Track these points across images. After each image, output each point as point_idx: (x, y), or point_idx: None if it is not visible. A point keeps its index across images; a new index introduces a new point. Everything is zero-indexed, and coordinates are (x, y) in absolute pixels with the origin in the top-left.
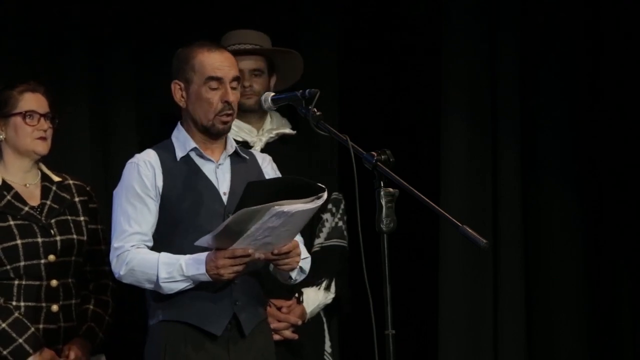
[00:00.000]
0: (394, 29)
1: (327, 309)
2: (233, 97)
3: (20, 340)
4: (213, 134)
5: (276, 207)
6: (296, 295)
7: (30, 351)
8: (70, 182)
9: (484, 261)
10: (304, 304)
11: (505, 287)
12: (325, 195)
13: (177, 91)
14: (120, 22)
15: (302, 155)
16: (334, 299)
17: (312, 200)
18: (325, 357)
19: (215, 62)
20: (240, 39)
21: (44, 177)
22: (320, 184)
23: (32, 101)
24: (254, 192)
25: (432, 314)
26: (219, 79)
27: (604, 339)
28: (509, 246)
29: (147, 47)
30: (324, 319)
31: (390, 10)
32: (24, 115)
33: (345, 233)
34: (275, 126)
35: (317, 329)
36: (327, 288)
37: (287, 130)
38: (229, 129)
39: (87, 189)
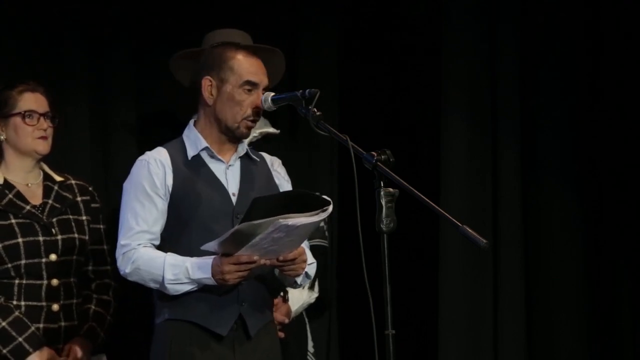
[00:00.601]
0: (394, 29)
1: (309, 309)
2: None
3: (20, 339)
4: (236, 136)
5: (280, 220)
6: (281, 294)
7: (30, 350)
8: (73, 182)
9: (484, 261)
10: (289, 302)
11: (505, 287)
12: (330, 208)
13: (208, 87)
14: (120, 22)
15: (287, 154)
16: (317, 298)
17: (317, 214)
18: (308, 357)
19: (253, 67)
20: (223, 37)
21: (46, 177)
22: (325, 197)
23: (31, 101)
24: (259, 207)
25: (432, 314)
26: (254, 84)
27: (604, 339)
28: (509, 246)
29: (147, 47)
30: (306, 319)
31: (390, 10)
32: (24, 115)
33: (326, 233)
34: (258, 126)
35: (300, 329)
36: (311, 287)
37: (271, 130)
38: (250, 134)
39: (90, 189)
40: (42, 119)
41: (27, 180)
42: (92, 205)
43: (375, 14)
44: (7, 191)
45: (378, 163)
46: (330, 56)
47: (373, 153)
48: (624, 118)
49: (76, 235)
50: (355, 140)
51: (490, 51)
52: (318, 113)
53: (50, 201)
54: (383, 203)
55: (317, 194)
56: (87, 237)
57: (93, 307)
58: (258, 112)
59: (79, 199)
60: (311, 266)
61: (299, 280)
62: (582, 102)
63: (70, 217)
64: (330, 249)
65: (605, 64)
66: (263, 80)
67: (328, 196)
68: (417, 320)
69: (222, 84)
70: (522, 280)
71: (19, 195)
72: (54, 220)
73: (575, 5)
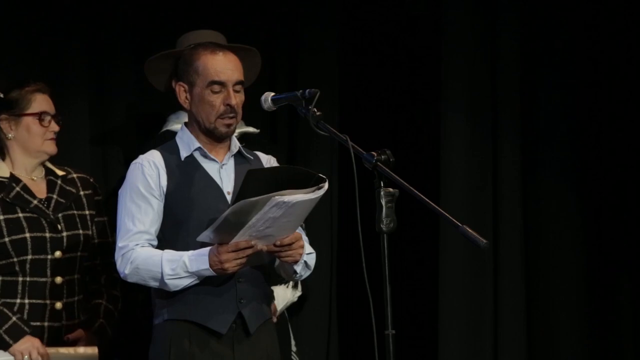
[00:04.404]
0: (394, 29)
1: (290, 308)
2: (235, 100)
3: (1, 331)
4: (216, 136)
5: (276, 197)
6: None
7: (11, 342)
8: (74, 175)
9: (484, 261)
10: (275, 301)
11: (505, 287)
12: (326, 185)
13: (182, 93)
14: (120, 22)
15: (287, 154)
16: (299, 297)
17: (313, 191)
18: (292, 356)
19: (218, 65)
20: (197, 38)
21: (48, 172)
22: (321, 175)
23: (44, 102)
24: (253, 181)
25: (432, 314)
26: (221, 83)
27: (604, 339)
28: (509, 246)
29: (147, 47)
30: (287, 318)
31: (390, 10)
32: (40, 116)
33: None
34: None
35: (283, 329)
36: (295, 286)
37: (250, 129)
38: (233, 131)
39: (91, 180)
40: (52, 121)
41: (32, 175)
42: (96, 198)
43: (375, 14)
44: (14, 184)
45: (378, 163)
46: (331, 56)
47: (373, 153)
48: (624, 118)
49: (80, 232)
50: (355, 140)
51: (490, 51)
52: (318, 113)
53: (55, 196)
54: (383, 203)
55: (313, 172)
56: (90, 232)
57: (104, 302)
58: (232, 109)
59: (82, 193)
60: (311, 256)
61: (298, 269)
62: (582, 102)
63: (75, 212)
64: (330, 249)
65: (605, 64)
66: (232, 76)
67: (328, 196)
68: (417, 320)
69: (192, 87)
70: (522, 280)
71: (26, 189)
72: (60, 215)
73: (575, 5)
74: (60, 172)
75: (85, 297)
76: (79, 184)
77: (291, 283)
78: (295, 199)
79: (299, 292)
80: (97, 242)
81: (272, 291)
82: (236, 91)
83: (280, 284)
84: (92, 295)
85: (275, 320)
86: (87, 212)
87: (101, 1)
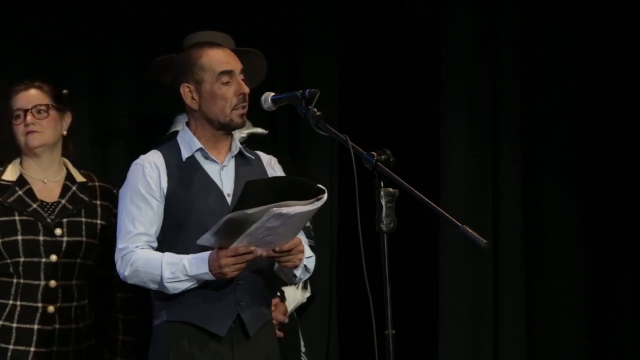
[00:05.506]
0: (394, 29)
1: (299, 309)
2: (246, 88)
3: None
4: (232, 128)
5: (274, 209)
6: (278, 294)
7: None
8: (97, 183)
9: (484, 261)
10: (286, 302)
11: (505, 287)
12: (325, 196)
13: (188, 94)
14: (120, 22)
15: (287, 154)
16: (315, 298)
17: (312, 202)
18: (302, 357)
19: (222, 57)
20: (204, 39)
21: (68, 176)
22: (320, 185)
23: (19, 100)
24: (252, 191)
25: (432, 314)
26: (229, 72)
27: (604, 339)
28: (509, 246)
29: (147, 47)
30: (296, 319)
31: (390, 10)
32: (12, 116)
33: (312, 233)
34: (244, 126)
35: (293, 329)
36: (305, 287)
37: (259, 130)
38: (245, 122)
39: (114, 191)
40: (28, 114)
41: (45, 177)
42: (114, 211)
43: (375, 14)
44: (17, 188)
45: (378, 163)
46: (331, 56)
47: (373, 153)
48: (624, 118)
49: (84, 239)
50: (355, 140)
51: (490, 51)
52: (318, 113)
53: (63, 201)
54: (383, 203)
55: (312, 182)
56: (96, 241)
57: (121, 337)
58: (244, 97)
59: (97, 202)
60: (310, 260)
61: (298, 273)
62: (582, 102)
63: (83, 219)
64: (330, 249)
65: (605, 64)
66: (237, 65)
67: (328, 196)
68: (417, 320)
69: (200, 85)
70: (522, 280)
71: (29, 193)
72: (64, 220)
73: (575, 5)
74: (80, 179)
75: (102, 323)
76: (97, 193)
77: (301, 284)
78: (293, 210)
79: (308, 293)
80: (111, 254)
81: (272, 293)
82: (242, 80)
83: (289, 284)
84: (110, 328)
85: (286, 320)
86: (98, 222)
87: (101, 1)
